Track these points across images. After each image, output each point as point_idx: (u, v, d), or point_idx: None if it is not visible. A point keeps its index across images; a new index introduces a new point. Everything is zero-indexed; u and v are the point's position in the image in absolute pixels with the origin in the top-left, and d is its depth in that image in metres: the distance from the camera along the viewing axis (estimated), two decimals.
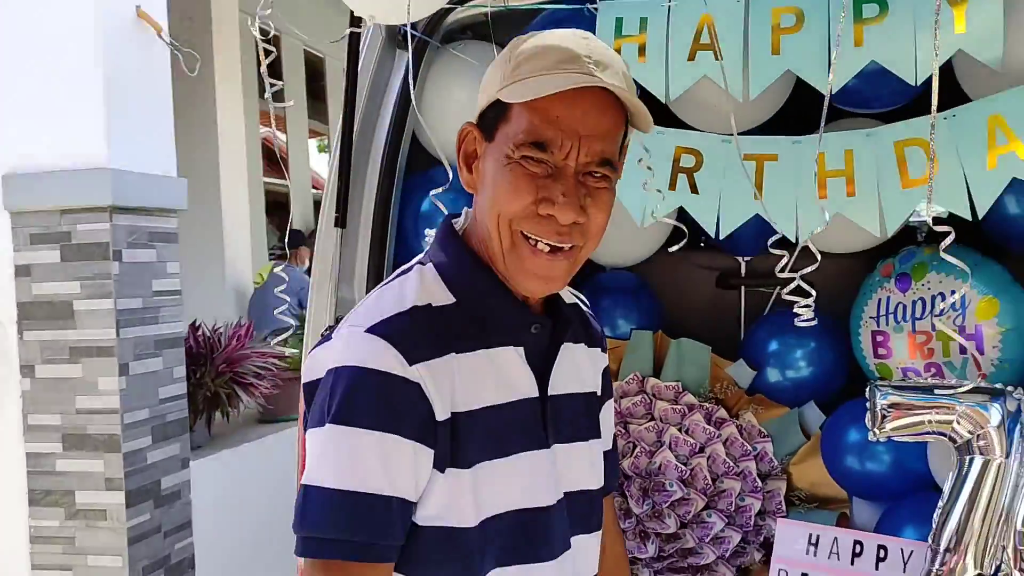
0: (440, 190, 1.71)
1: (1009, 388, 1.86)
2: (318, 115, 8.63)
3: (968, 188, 1.65)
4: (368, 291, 1.88)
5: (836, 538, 2.04)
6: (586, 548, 1.23)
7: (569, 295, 1.30)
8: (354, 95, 1.90)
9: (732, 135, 1.74)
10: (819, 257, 1.67)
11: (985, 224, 1.92)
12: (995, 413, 1.84)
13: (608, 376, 1.36)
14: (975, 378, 2.08)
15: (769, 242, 1.95)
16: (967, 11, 1.59)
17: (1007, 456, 1.82)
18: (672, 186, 1.81)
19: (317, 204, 8.87)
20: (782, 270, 1.74)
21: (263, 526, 3.85)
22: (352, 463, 1.03)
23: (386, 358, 1.04)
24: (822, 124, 1.50)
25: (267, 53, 1.61)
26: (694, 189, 1.79)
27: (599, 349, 1.32)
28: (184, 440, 3.37)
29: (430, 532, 1.08)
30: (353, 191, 1.98)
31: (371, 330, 1.06)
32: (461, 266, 1.15)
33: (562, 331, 1.20)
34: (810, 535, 2.07)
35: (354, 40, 1.90)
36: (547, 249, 1.09)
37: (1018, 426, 1.83)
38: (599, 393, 1.30)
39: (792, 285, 1.73)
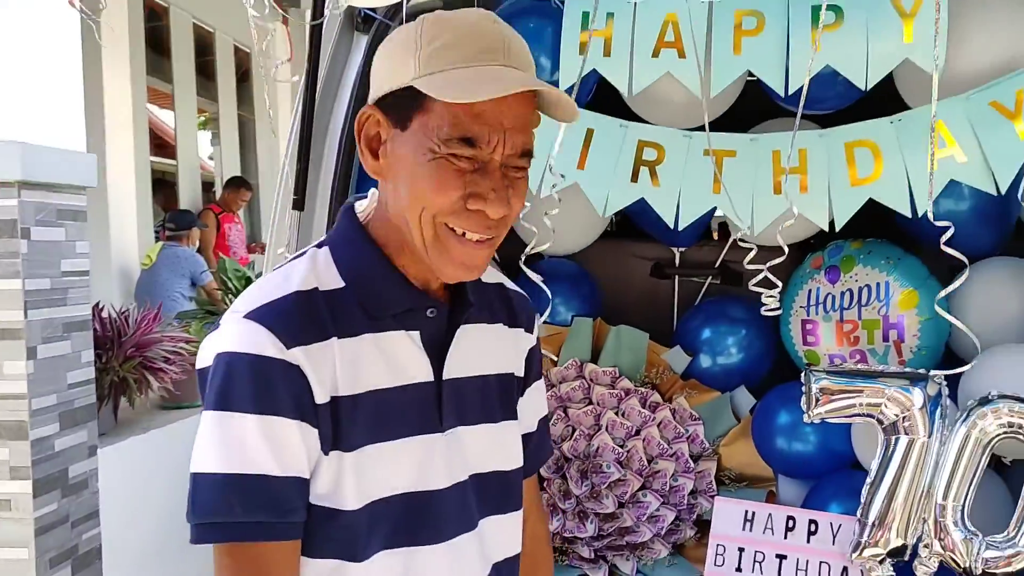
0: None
1: (931, 372, 2.02)
2: (207, 92, 8.34)
3: (910, 186, 1.77)
4: None
5: (770, 514, 2.16)
6: (500, 529, 1.22)
7: (491, 276, 1.28)
8: (315, 81, 1.87)
9: (692, 130, 1.82)
10: (787, 250, 1.77)
11: (905, 222, 2.06)
12: (918, 396, 1.98)
13: (536, 357, 1.33)
14: (896, 364, 2.25)
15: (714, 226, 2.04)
16: (915, 24, 1.71)
17: (929, 436, 1.97)
18: (634, 179, 1.87)
19: (206, 184, 8.59)
20: (751, 262, 1.83)
21: (171, 515, 3.73)
22: (235, 447, 1.03)
23: (262, 342, 1.04)
24: (796, 125, 1.59)
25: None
26: (655, 182, 1.86)
27: (522, 330, 1.29)
28: (92, 427, 3.23)
29: (317, 511, 1.08)
30: (310, 174, 1.95)
31: (249, 315, 1.06)
32: (355, 250, 1.14)
33: (460, 314, 1.18)
34: (746, 512, 2.18)
35: (316, 29, 1.87)
36: (476, 241, 1.09)
37: (939, 408, 1.99)
38: (520, 374, 1.29)
39: (759, 277, 1.83)
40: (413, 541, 1.11)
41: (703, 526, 2.39)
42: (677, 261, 2.61)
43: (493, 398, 1.22)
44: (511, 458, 1.24)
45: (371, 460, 1.09)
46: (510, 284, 1.31)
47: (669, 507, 2.42)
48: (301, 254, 1.15)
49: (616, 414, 2.49)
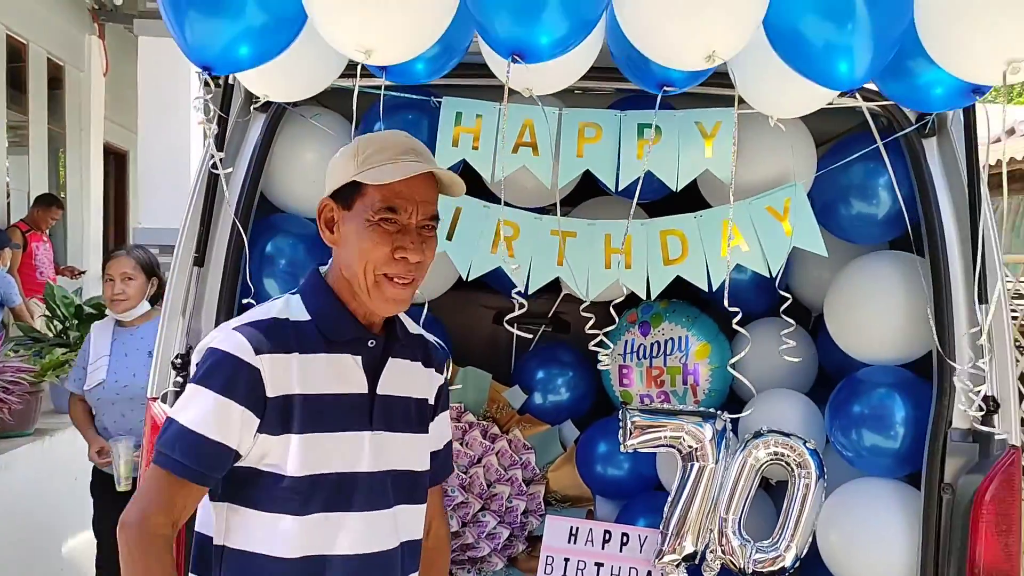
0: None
1: (718, 412, 2.52)
2: (17, 105, 7.98)
3: (707, 267, 2.26)
4: (216, 321, 2.15)
5: (591, 528, 2.59)
6: (410, 515, 1.66)
7: (415, 329, 1.76)
8: (221, 145, 2.13)
9: (542, 213, 2.23)
10: (617, 319, 2.20)
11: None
12: (709, 430, 2.47)
13: (444, 393, 1.80)
14: (692, 403, 2.74)
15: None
16: (713, 143, 2.21)
17: (716, 463, 2.46)
18: (494, 250, 2.25)
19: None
20: (593, 327, 2.25)
21: (9, 544, 3.71)
22: (195, 410, 1.49)
23: (239, 347, 1.50)
24: (631, 215, 2.04)
25: None
26: (511, 253, 2.25)
27: (434, 370, 1.75)
28: None
29: (270, 476, 1.51)
30: (210, 233, 2.20)
31: (236, 329, 1.54)
32: (318, 295, 1.60)
33: (391, 348, 1.63)
34: (571, 527, 2.59)
35: (224, 110, 2.13)
36: (402, 283, 1.55)
37: (724, 440, 2.48)
38: (432, 402, 1.74)
39: (596, 340, 2.26)
40: (341, 507, 1.55)
41: (533, 541, 2.79)
42: (516, 310, 3.00)
43: (412, 415, 1.67)
44: (420, 463, 1.69)
45: (314, 443, 1.52)
46: (430, 336, 1.78)
47: (505, 525, 2.80)
48: (279, 298, 1.64)
49: (461, 444, 2.85)
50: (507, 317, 2.37)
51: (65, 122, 8.83)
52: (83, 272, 8.17)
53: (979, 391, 2.04)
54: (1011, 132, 6.15)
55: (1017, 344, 4.64)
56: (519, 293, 2.26)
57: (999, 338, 2.16)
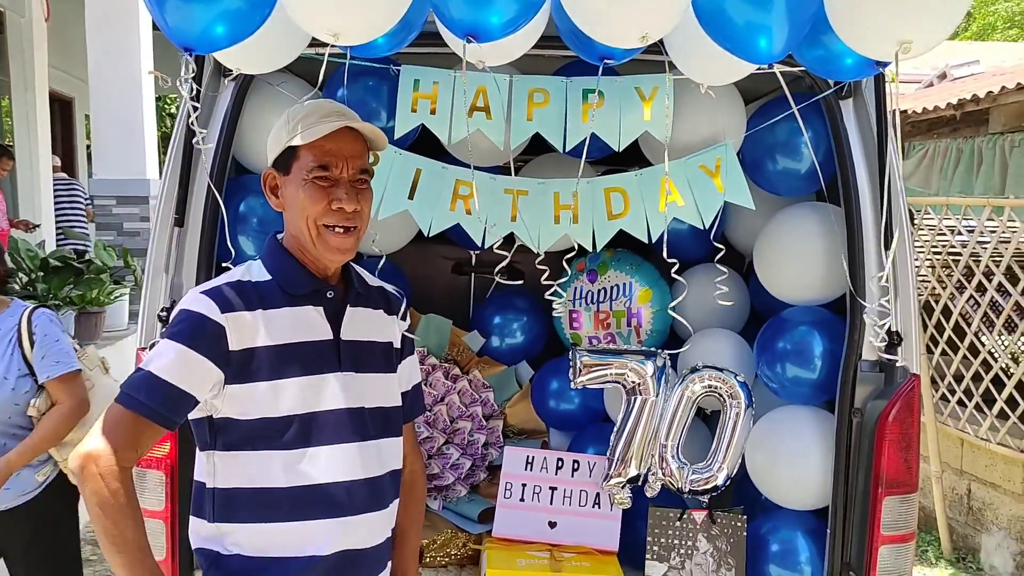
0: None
1: (658, 350, 2.77)
2: None
3: (647, 221, 2.49)
4: (197, 278, 2.33)
5: (545, 457, 2.84)
6: (389, 446, 1.86)
7: (375, 281, 1.94)
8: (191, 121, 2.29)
9: (495, 172, 2.43)
10: (570, 271, 2.42)
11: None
12: (650, 367, 2.72)
13: (408, 339, 1.99)
14: (636, 343, 3.00)
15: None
16: (651, 106, 2.41)
17: (656, 396, 2.72)
18: (452, 208, 2.45)
19: None
20: (547, 278, 2.48)
21: None
22: (162, 359, 1.64)
23: (206, 307, 1.66)
24: (580, 173, 2.25)
25: None
26: (468, 211, 2.45)
27: (397, 316, 1.93)
28: None
29: (247, 422, 1.68)
30: (188, 196, 2.36)
31: (204, 292, 1.70)
32: (276, 257, 1.78)
33: (349, 297, 1.81)
34: (527, 456, 2.85)
35: (196, 80, 2.28)
36: (342, 231, 1.71)
37: (663, 376, 2.74)
38: (397, 346, 1.93)
39: (551, 291, 2.48)
40: (323, 441, 1.73)
41: (493, 470, 3.04)
42: (473, 261, 3.22)
43: (379, 357, 1.86)
44: (391, 399, 1.88)
45: (284, 386, 1.69)
46: (388, 287, 1.96)
47: (467, 457, 3.05)
48: (242, 265, 1.81)
49: (425, 385, 3.08)
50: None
51: (9, 69, 8.68)
52: (37, 226, 8.15)
53: (884, 325, 2.30)
54: (943, 77, 6.44)
55: (939, 279, 5.00)
56: (470, 239, 2.46)
57: (903, 279, 2.42)
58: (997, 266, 4.41)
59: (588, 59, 2.12)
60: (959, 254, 4.70)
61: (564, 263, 2.55)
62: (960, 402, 5.00)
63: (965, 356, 4.95)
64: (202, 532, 1.77)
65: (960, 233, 4.74)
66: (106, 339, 5.62)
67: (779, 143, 2.59)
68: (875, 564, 2.39)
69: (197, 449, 1.77)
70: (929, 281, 5.27)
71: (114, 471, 1.58)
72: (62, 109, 10.85)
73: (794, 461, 2.56)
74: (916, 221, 5.16)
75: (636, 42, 1.85)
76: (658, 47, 2.18)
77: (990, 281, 4.52)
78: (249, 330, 1.68)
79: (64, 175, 9.50)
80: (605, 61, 2.08)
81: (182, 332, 1.65)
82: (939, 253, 5.10)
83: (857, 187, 2.44)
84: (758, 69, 2.13)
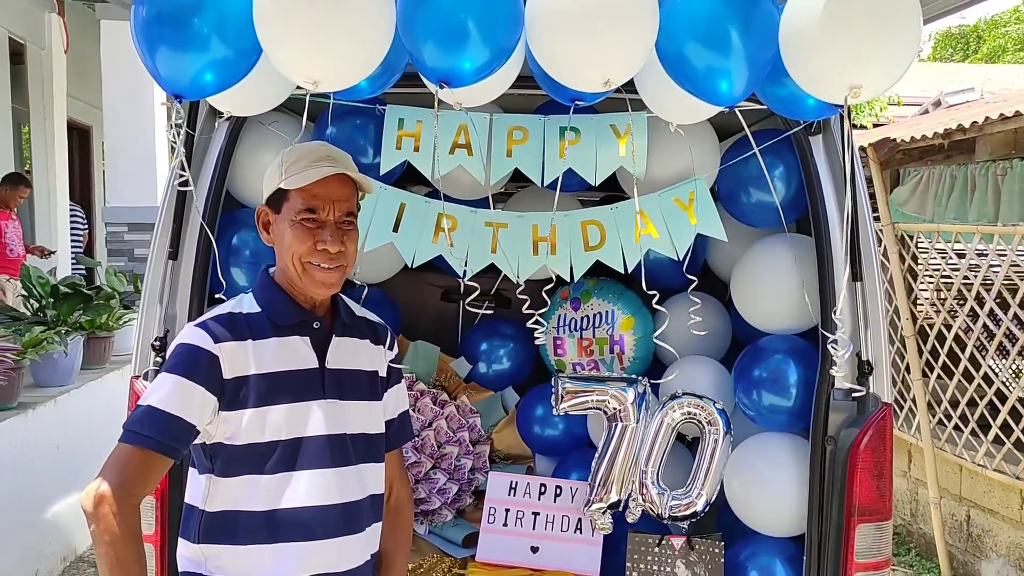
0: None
1: (639, 377, 2.84)
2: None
3: (623, 252, 2.57)
4: (191, 309, 2.43)
5: (528, 482, 2.91)
6: (371, 472, 1.93)
7: (361, 312, 2.03)
8: (189, 159, 2.40)
9: (479, 208, 2.53)
10: (549, 302, 2.51)
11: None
12: (631, 394, 2.79)
13: (396, 367, 2.07)
14: (619, 370, 3.07)
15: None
16: (625, 143, 2.51)
17: (637, 422, 2.78)
18: (435, 240, 2.55)
19: None
20: (529, 307, 2.56)
21: None
22: (161, 392, 1.72)
23: (200, 339, 1.76)
24: (554, 208, 2.34)
25: None
26: (450, 243, 2.54)
27: (383, 347, 2.02)
28: None
29: (236, 447, 1.76)
30: (182, 230, 2.47)
31: (197, 325, 1.81)
32: (266, 290, 1.88)
33: (335, 328, 1.90)
34: (511, 481, 2.91)
35: (191, 125, 2.40)
36: (326, 267, 1.81)
37: (644, 402, 2.80)
38: (383, 375, 2.01)
39: (532, 320, 2.56)
40: (305, 466, 1.81)
41: (479, 495, 3.11)
42: (461, 289, 3.30)
43: (363, 385, 1.94)
44: (375, 426, 1.96)
45: (270, 413, 1.78)
46: (374, 317, 2.05)
47: (454, 482, 3.12)
48: (234, 299, 1.91)
49: (413, 411, 3.15)
50: (469, 299, 2.63)
51: (28, 99, 8.90)
52: (53, 252, 8.32)
53: (844, 356, 2.37)
54: (937, 104, 6.51)
55: (931, 304, 5.04)
56: (464, 276, 2.55)
57: (873, 309, 2.49)
58: (988, 292, 4.45)
59: (560, 100, 2.22)
60: (951, 280, 4.75)
61: (543, 294, 2.64)
62: (956, 427, 5.02)
63: (960, 381, 4.98)
64: (187, 554, 1.85)
65: (951, 259, 4.79)
66: (115, 363, 5.74)
67: (752, 177, 2.66)
68: None
69: (193, 472, 1.84)
70: (923, 307, 5.32)
71: (126, 511, 1.66)
72: (80, 137, 11.07)
73: (770, 488, 2.62)
74: (909, 247, 5.22)
75: (599, 87, 1.94)
76: (632, 86, 2.28)
77: (982, 307, 4.56)
78: (240, 359, 1.77)
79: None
80: (576, 102, 2.18)
81: (178, 364, 1.75)
82: (932, 279, 5.15)
83: (827, 219, 2.51)
84: (727, 110, 2.22)
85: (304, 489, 1.80)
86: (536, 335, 2.61)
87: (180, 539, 1.87)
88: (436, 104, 1.97)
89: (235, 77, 1.96)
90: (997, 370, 4.68)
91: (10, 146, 8.56)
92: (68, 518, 4.78)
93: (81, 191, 10.81)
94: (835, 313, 2.38)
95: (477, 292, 2.85)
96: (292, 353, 1.83)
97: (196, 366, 1.74)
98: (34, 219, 8.85)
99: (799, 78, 1.94)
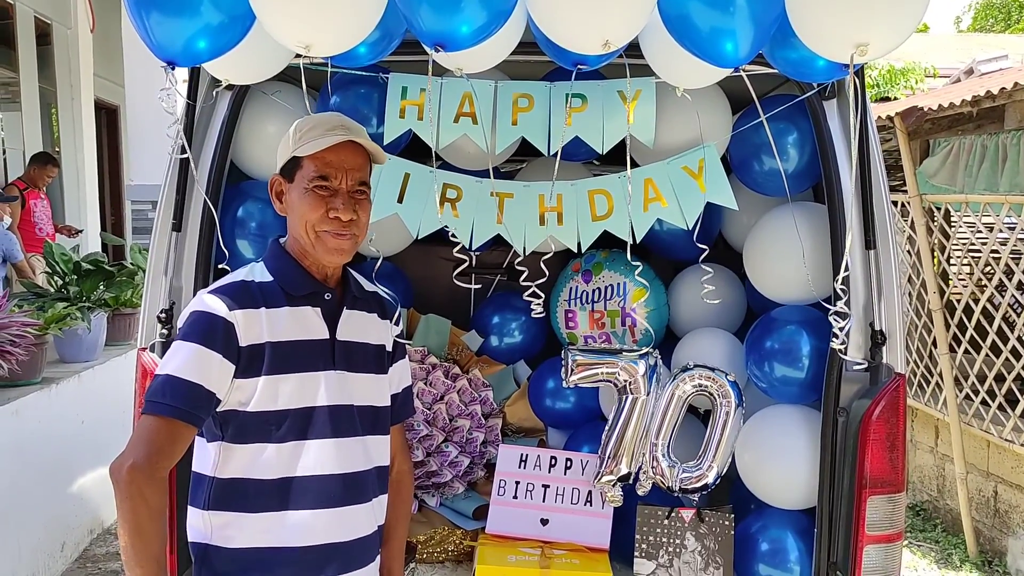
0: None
1: (650, 350, 2.80)
2: (7, 63, 8.14)
3: (632, 222, 2.53)
4: (196, 280, 2.42)
5: (539, 455, 2.89)
6: (377, 443, 1.93)
7: (370, 287, 2.02)
8: (191, 130, 2.39)
9: (485, 178, 2.49)
10: (547, 273, 2.48)
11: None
12: (642, 366, 2.76)
13: (401, 343, 2.07)
14: (630, 342, 3.03)
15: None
16: (634, 109, 2.45)
17: (647, 394, 2.75)
18: (441, 210, 2.52)
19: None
20: (525, 279, 2.53)
21: (13, 491, 4.02)
22: (179, 360, 1.71)
23: (215, 306, 1.74)
24: (554, 176, 2.30)
25: None
26: (456, 214, 2.51)
27: (390, 322, 2.03)
28: None
29: (248, 414, 1.76)
30: (185, 202, 2.46)
31: (211, 292, 1.79)
32: (278, 259, 1.87)
33: (346, 300, 1.89)
34: (521, 454, 2.90)
35: (192, 95, 2.38)
36: (337, 234, 1.81)
37: (655, 375, 2.77)
38: (389, 349, 2.01)
39: (528, 292, 2.52)
40: (314, 435, 1.81)
41: (491, 468, 3.10)
42: (473, 262, 3.27)
43: (371, 358, 1.94)
44: (381, 399, 1.96)
45: (282, 381, 1.78)
46: (384, 292, 2.05)
47: (465, 455, 3.11)
48: (244, 267, 1.89)
49: (425, 384, 3.15)
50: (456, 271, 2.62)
51: (55, 79, 8.96)
52: (80, 231, 8.41)
53: (844, 327, 2.31)
54: (970, 73, 6.34)
55: (959, 277, 4.93)
56: (463, 250, 2.52)
57: (887, 278, 2.42)
58: (1017, 264, 4.34)
59: (563, 64, 2.17)
60: (980, 252, 4.64)
61: (542, 264, 2.59)
62: (984, 402, 4.93)
63: (988, 355, 4.88)
64: (195, 523, 1.85)
65: (980, 231, 4.67)
66: None
67: (765, 144, 2.60)
68: (860, 563, 2.40)
69: (200, 441, 1.83)
70: (952, 280, 5.21)
71: (153, 484, 1.65)
72: (108, 117, 11.16)
73: (782, 460, 2.58)
74: (936, 219, 5.10)
75: (599, 49, 1.89)
76: (639, 50, 2.22)
77: (1010, 280, 4.45)
78: (255, 327, 1.76)
79: None
80: (579, 67, 2.13)
81: (195, 331, 1.73)
82: (960, 252, 5.03)
83: (840, 186, 2.44)
84: (733, 72, 2.16)
85: (314, 458, 1.80)
86: (532, 306, 2.57)
87: (189, 507, 1.86)
88: (429, 69, 1.93)
89: (229, 43, 1.94)
90: None
91: (38, 126, 8.65)
92: (94, 491, 4.84)
93: (110, 170, 10.91)
94: (837, 283, 2.31)
95: (464, 265, 2.81)
96: (304, 323, 1.83)
97: (213, 333, 1.72)
98: (63, 199, 8.95)
99: (805, 36, 1.88)
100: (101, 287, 5.07)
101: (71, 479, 4.66)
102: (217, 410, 1.78)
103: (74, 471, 4.68)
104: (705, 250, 2.63)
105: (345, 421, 1.85)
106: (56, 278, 5.13)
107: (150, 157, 7.24)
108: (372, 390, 1.93)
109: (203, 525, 1.83)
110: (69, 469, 4.63)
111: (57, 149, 9.08)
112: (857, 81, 2.32)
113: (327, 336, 1.85)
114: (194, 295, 2.19)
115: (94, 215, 9.22)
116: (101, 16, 9.24)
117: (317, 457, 1.81)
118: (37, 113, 8.63)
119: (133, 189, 7.41)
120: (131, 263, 5.73)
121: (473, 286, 2.59)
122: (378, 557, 1.97)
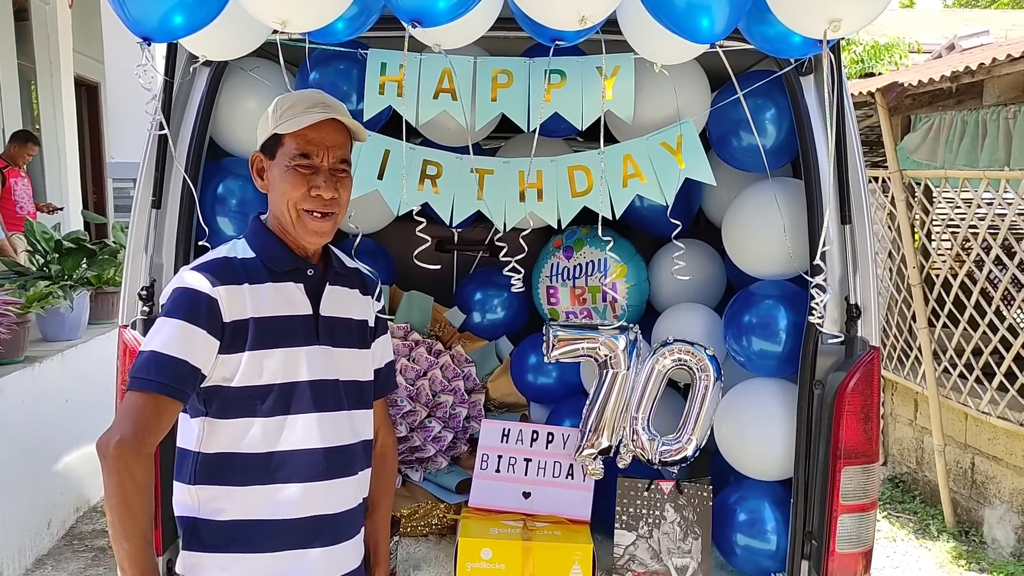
0: None
1: (630, 325, 2.83)
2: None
3: (611, 198, 2.54)
4: (176, 257, 2.43)
5: (520, 429, 2.92)
6: (361, 417, 1.96)
7: (352, 263, 2.04)
8: (169, 106, 2.38)
9: (465, 155, 2.50)
10: (526, 249, 2.49)
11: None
12: (622, 341, 2.78)
13: (383, 318, 2.09)
14: (611, 318, 3.06)
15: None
16: (613, 84, 2.46)
17: (628, 369, 2.77)
18: (420, 187, 2.52)
19: None
20: (505, 254, 2.54)
21: (5, 465, 4.03)
22: (163, 337, 1.72)
23: (199, 282, 1.75)
24: (532, 152, 2.30)
25: None
26: (436, 190, 2.52)
27: (371, 298, 2.05)
28: None
29: (233, 389, 1.77)
30: (165, 179, 2.46)
31: (194, 268, 1.80)
32: (260, 236, 1.89)
33: (328, 276, 1.92)
34: (504, 429, 2.93)
35: (169, 67, 2.37)
36: (319, 216, 1.82)
37: (635, 350, 2.79)
38: (371, 324, 2.03)
39: (508, 267, 2.54)
40: (300, 410, 1.83)
41: (474, 442, 3.13)
42: (455, 239, 3.29)
43: (354, 333, 1.96)
44: (364, 374, 1.98)
45: (267, 357, 1.79)
46: (364, 268, 2.07)
47: (449, 430, 3.14)
48: (226, 244, 1.90)
49: (408, 360, 3.17)
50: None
51: (34, 56, 8.87)
52: (60, 208, 8.35)
53: (821, 301, 2.34)
54: (951, 48, 6.36)
55: (938, 252, 4.98)
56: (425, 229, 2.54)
57: (862, 252, 2.45)
58: (994, 239, 4.39)
59: (541, 40, 2.18)
60: (958, 227, 4.68)
61: (521, 240, 2.61)
62: (962, 375, 4.99)
63: (966, 329, 4.94)
64: (181, 498, 1.87)
65: (959, 206, 4.72)
66: None
67: (743, 120, 2.61)
68: (835, 532, 2.44)
69: (184, 417, 1.84)
70: (932, 255, 5.25)
71: (140, 460, 1.66)
72: (88, 94, 11.06)
73: (759, 433, 2.62)
74: (917, 195, 5.14)
75: (576, 24, 1.90)
76: (616, 26, 2.23)
77: (988, 254, 4.50)
78: (238, 303, 1.78)
79: None
80: (556, 43, 2.14)
81: (178, 308, 1.74)
82: (940, 226, 5.08)
83: (817, 162, 2.47)
84: (710, 48, 2.17)
85: (300, 432, 1.82)
86: (512, 281, 2.59)
87: (175, 482, 1.88)
88: (405, 45, 1.94)
89: (205, 19, 1.94)
90: (1003, 318, 4.62)
91: (18, 103, 8.55)
92: (79, 469, 4.86)
93: (91, 147, 10.82)
94: (816, 258, 2.34)
95: (426, 246, 2.81)
96: (287, 298, 1.84)
97: (197, 309, 1.73)
98: (44, 176, 8.88)
99: (779, 12, 1.90)
100: (83, 265, 5.05)
101: (56, 457, 4.67)
102: (201, 386, 1.79)
103: (59, 449, 4.69)
104: (679, 226, 2.64)
105: (331, 395, 1.87)
106: (37, 256, 5.11)
107: (131, 134, 7.21)
108: (356, 365, 1.96)
109: (190, 499, 1.84)
110: (54, 447, 4.64)
111: (37, 126, 9.00)
112: (832, 57, 2.34)
113: (310, 312, 1.87)
114: (175, 272, 2.22)
115: (75, 193, 9.15)
116: None
117: (304, 431, 1.83)
118: (16, 90, 8.53)
119: (115, 167, 7.37)
120: (113, 241, 5.71)
121: (434, 267, 2.59)
122: (362, 529, 2.00)
